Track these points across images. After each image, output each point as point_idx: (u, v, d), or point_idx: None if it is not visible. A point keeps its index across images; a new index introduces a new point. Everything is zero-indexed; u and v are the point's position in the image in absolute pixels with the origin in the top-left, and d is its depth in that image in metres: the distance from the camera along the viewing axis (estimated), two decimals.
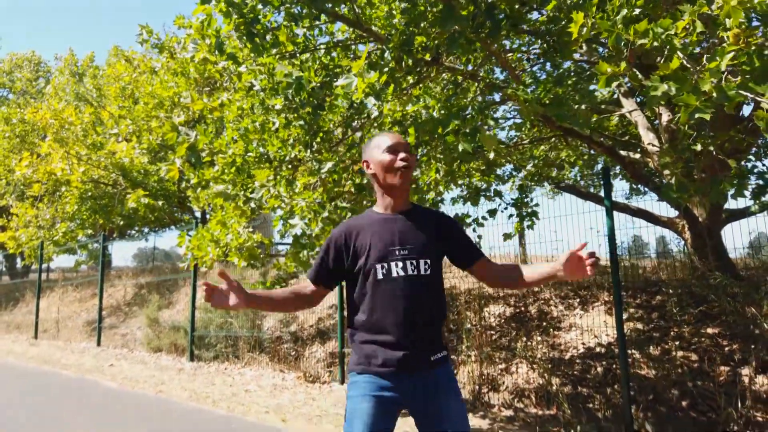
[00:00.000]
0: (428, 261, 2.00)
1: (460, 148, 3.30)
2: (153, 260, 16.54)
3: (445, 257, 2.13)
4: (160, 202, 12.37)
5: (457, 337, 6.38)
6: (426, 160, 4.13)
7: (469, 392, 5.54)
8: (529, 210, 4.92)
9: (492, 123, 3.34)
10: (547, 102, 3.10)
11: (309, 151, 4.53)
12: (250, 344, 7.97)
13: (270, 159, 4.97)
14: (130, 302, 12.49)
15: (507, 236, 5.73)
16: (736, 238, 18.11)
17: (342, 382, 6.27)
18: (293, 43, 4.24)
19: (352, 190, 4.49)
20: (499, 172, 6.96)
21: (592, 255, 1.92)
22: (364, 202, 4.64)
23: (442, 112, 3.55)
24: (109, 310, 12.31)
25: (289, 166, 5.13)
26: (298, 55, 4.27)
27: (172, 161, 5.09)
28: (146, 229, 15.72)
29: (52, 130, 12.40)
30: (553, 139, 5.65)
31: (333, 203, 4.61)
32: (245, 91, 4.67)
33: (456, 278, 7.49)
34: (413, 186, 4.55)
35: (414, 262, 1.97)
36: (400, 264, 1.95)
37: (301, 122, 4.34)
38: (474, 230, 5.84)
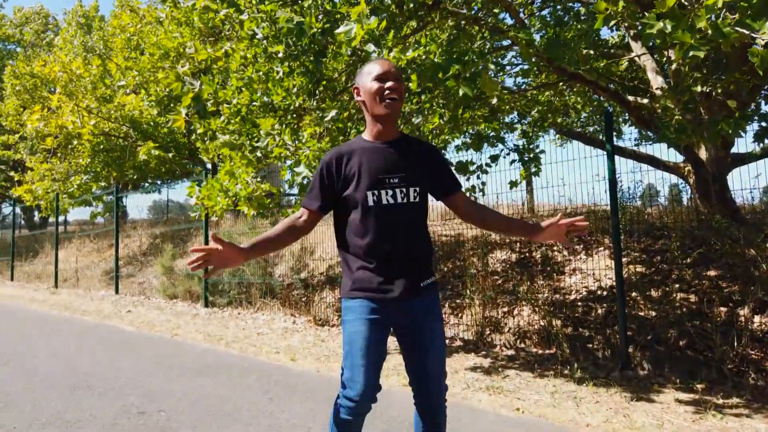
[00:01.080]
0: (417, 189, 2.04)
1: (461, 92, 3.33)
2: (167, 212, 16.78)
3: None
4: (170, 154, 12.48)
5: (462, 282, 6.53)
6: (429, 106, 4.15)
7: (473, 334, 5.72)
8: (532, 155, 4.95)
9: (493, 67, 3.35)
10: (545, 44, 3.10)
11: (312, 99, 4.56)
12: (262, 290, 8.20)
13: (274, 108, 5.00)
14: (145, 252, 12.80)
15: (513, 184, 5.78)
16: (744, 183, 17.97)
17: None
18: None
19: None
20: (507, 120, 6.95)
21: (576, 226, 2.09)
22: None
23: (443, 57, 3.55)
24: (126, 260, 12.64)
25: (294, 115, 5.16)
26: (300, 1, 4.25)
27: (178, 111, 5.15)
28: (159, 182, 15.92)
29: (62, 83, 12.43)
30: (560, 84, 5.60)
31: None
32: (248, 39, 4.66)
33: (463, 226, 7.58)
34: (416, 133, 4.59)
35: (404, 189, 2.01)
36: (390, 192, 2.00)
37: (303, 70, 4.35)
38: (478, 177, 5.89)
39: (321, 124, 4.74)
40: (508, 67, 6.54)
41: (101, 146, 12.75)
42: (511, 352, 5.20)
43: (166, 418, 3.37)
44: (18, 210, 22.85)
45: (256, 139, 4.90)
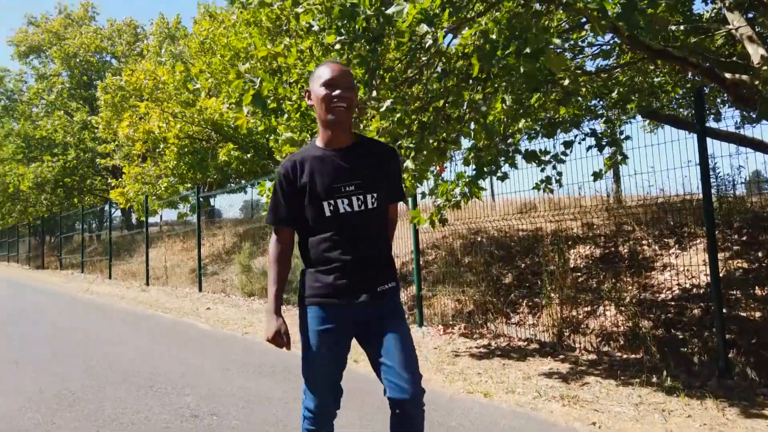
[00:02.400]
0: (375, 195, 1.98)
1: (522, 71, 3.02)
2: (253, 211, 17.28)
3: None
4: (249, 155, 12.78)
5: (540, 279, 6.13)
6: (492, 91, 3.84)
7: (551, 335, 5.33)
8: (610, 139, 4.49)
9: (558, 42, 3.00)
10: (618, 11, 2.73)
11: (369, 90, 4.37)
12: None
13: None
14: (229, 250, 13.20)
15: (597, 175, 5.30)
16: None
17: (420, 324, 6.26)
18: None
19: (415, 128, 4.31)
20: (591, 104, 6.42)
21: None
22: (430, 141, 4.46)
23: (503, 35, 3.24)
24: (212, 258, 13.09)
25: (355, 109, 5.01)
26: None
27: (240, 110, 5.14)
28: (243, 181, 16.41)
29: (147, 91, 13.06)
30: (643, 62, 5.07)
31: (397, 144, 4.46)
32: (304, 32, 4.55)
33: (542, 219, 7.16)
34: (481, 121, 4.28)
35: (361, 197, 1.96)
36: (346, 201, 1.95)
37: (359, 60, 4.17)
38: (554, 167, 5.47)
39: (386, 117, 4.54)
40: (587, 49, 6.04)
41: (186, 149, 13.29)
42: (592, 357, 4.78)
43: (217, 422, 3.31)
44: (118, 212, 24.47)
45: (316, 134, 4.79)
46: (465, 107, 4.50)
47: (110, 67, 24.77)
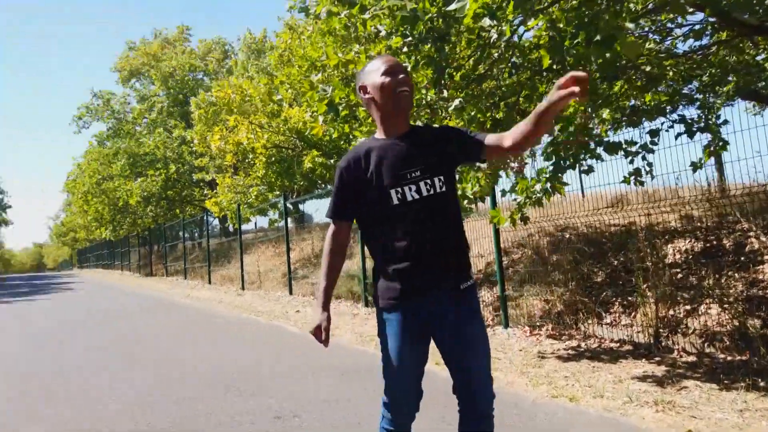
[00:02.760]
0: (442, 177, 1.93)
1: (593, 59, 2.86)
2: None
3: (459, 162, 2.10)
4: (332, 161, 13.07)
5: (634, 276, 5.79)
6: None
7: (647, 336, 5.01)
8: (702, 125, 4.15)
9: (631, 26, 2.82)
10: None
11: (439, 90, 4.33)
12: None
13: None
14: (318, 254, 13.56)
15: (695, 166, 4.94)
16: None
17: (506, 325, 6.10)
18: None
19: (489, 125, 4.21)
20: (685, 90, 5.99)
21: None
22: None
23: (572, 24, 3.09)
24: (302, 262, 13.50)
25: (428, 110, 4.97)
26: None
27: (316, 118, 5.26)
28: (328, 186, 16.82)
29: (235, 105, 13.69)
30: (736, 40, 4.65)
31: None
32: (372, 38, 4.58)
33: (635, 213, 6.78)
34: (562, 114, 4.10)
35: (428, 181, 1.90)
36: (414, 187, 1.89)
37: (427, 60, 4.13)
38: (643, 158, 5.15)
39: (458, 115, 4.48)
40: (677, 30, 5.64)
41: (273, 158, 13.81)
42: (692, 359, 4.45)
43: (298, 423, 3.39)
44: (216, 221, 25.83)
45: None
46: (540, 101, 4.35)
47: (203, 84, 26.23)
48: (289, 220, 12.24)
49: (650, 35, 5.33)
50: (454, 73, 4.51)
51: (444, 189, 1.92)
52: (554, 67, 3.87)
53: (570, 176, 5.42)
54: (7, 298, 16.39)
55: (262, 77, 14.47)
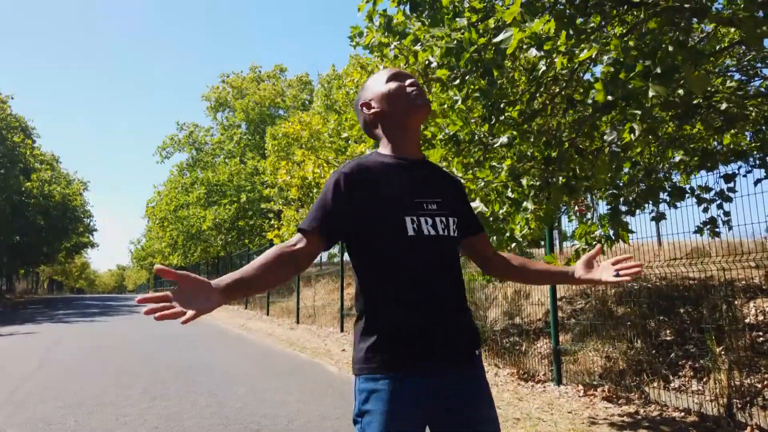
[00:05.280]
0: (456, 220, 1.58)
1: (650, 93, 2.57)
2: None
3: None
4: None
5: (706, 338, 5.20)
6: (621, 119, 3.34)
7: (717, 407, 4.42)
8: None
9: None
10: None
11: (491, 126, 4.10)
12: None
13: (458, 141, 4.66)
14: None
15: None
16: None
17: (559, 382, 5.62)
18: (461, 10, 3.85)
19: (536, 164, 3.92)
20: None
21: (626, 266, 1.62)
22: (559, 178, 4.02)
23: (629, 55, 2.80)
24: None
25: (480, 147, 4.74)
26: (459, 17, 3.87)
27: (363, 152, 5.14)
28: None
29: (304, 139, 13.95)
30: None
31: (517, 181, 4.10)
32: (422, 70, 4.43)
33: (714, 267, 6.19)
34: (610, 153, 3.76)
35: (444, 219, 1.54)
36: (430, 221, 1.51)
37: (476, 94, 3.93)
38: (719, 206, 4.67)
39: (502, 153, 4.23)
40: (765, 71, 5.16)
41: None
42: None
43: None
44: None
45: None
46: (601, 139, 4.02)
47: (281, 117, 27.16)
48: (345, 255, 12.14)
49: (733, 74, 4.90)
50: (510, 109, 4.28)
51: (456, 234, 1.58)
52: (602, 100, 3.57)
53: (643, 223, 5.01)
54: (70, 318, 17.17)
55: (332, 113, 14.72)
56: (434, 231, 1.50)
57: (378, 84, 1.68)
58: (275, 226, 17.08)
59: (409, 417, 1.40)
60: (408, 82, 1.65)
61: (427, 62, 4.48)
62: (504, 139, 3.68)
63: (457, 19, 3.60)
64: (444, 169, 1.85)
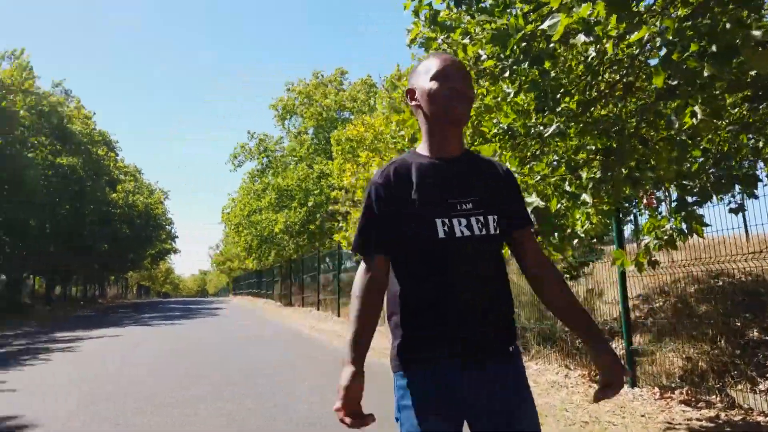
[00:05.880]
0: (496, 217, 1.55)
1: (705, 73, 2.38)
2: None
3: None
4: None
5: None
6: (682, 104, 3.10)
7: None
8: None
9: (757, 34, 2.29)
10: None
11: (542, 116, 3.94)
12: (542, 336, 7.49)
13: (514, 134, 4.52)
14: None
15: None
16: None
17: (633, 385, 5.33)
18: None
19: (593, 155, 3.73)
20: None
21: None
22: (622, 169, 3.81)
23: (687, 34, 2.59)
24: None
25: (538, 140, 4.58)
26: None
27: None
28: None
29: (368, 142, 14.05)
30: None
31: (575, 174, 3.92)
32: (472, 65, 4.32)
33: None
34: (676, 139, 3.51)
35: (481, 218, 1.53)
36: (464, 221, 1.51)
37: (528, 85, 3.80)
38: None
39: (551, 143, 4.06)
40: None
41: None
42: None
43: None
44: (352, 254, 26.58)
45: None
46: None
47: (348, 121, 27.52)
48: None
49: None
50: (567, 99, 4.09)
51: (497, 231, 1.55)
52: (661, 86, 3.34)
53: (726, 215, 4.69)
54: (153, 321, 18.10)
55: (394, 114, 14.78)
56: (469, 231, 1.51)
57: (423, 76, 1.62)
58: (343, 227, 17.31)
59: (445, 412, 1.45)
60: (451, 85, 1.57)
61: (476, 56, 4.38)
62: (553, 127, 3.51)
63: (508, 10, 3.49)
64: (493, 160, 1.73)
